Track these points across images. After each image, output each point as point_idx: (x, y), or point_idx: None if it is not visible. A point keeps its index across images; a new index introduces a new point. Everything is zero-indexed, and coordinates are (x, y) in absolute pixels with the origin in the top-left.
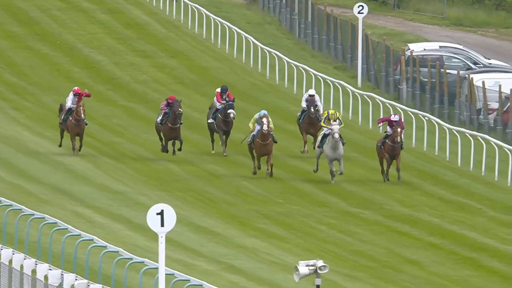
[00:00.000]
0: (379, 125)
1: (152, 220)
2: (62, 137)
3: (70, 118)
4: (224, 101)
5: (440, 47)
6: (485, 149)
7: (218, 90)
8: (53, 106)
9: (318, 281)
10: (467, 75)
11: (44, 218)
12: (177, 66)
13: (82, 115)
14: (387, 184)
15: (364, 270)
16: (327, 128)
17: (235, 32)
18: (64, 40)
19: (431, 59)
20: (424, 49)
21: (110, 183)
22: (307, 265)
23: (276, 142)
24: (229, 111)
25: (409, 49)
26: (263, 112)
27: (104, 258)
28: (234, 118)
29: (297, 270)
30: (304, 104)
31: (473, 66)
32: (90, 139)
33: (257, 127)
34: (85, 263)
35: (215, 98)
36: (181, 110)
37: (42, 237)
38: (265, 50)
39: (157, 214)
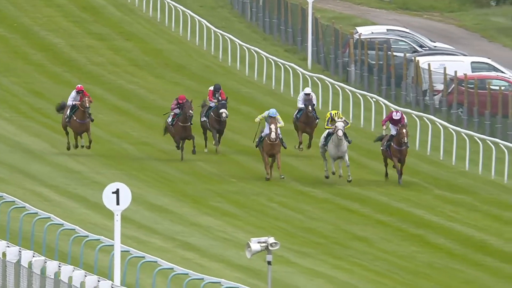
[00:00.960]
0: (384, 127)
1: (108, 199)
2: (67, 132)
3: (75, 118)
4: (216, 100)
5: (387, 30)
6: (431, 129)
7: (211, 88)
8: (11, 88)
9: (269, 258)
10: (413, 58)
11: (2, 196)
12: (132, 49)
13: (87, 104)
14: (335, 163)
15: (314, 247)
16: (331, 128)
17: (188, 16)
18: (21, 23)
19: (378, 42)
20: (372, 33)
21: (67, 163)
22: (258, 242)
23: (285, 148)
24: (221, 110)
25: (357, 32)
26: (273, 111)
27: (61, 236)
28: (226, 117)
29: (249, 246)
30: (300, 104)
31: (419, 49)
32: (47, 119)
33: (266, 129)
34: (42, 240)
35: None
36: (192, 112)
37: (0, 215)
38: (218, 33)
39: (113, 192)
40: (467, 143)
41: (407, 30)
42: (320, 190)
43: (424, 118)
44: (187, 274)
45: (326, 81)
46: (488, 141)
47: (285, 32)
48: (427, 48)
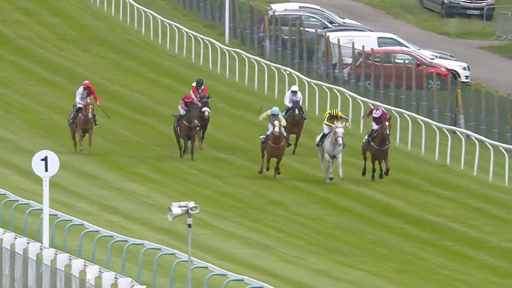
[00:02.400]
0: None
1: (37, 166)
2: (75, 143)
3: (80, 115)
4: (200, 96)
5: (299, 7)
6: (340, 100)
7: (194, 84)
8: None
9: (189, 221)
10: (324, 33)
11: None
12: (59, 24)
13: (90, 115)
14: (251, 131)
15: (232, 210)
16: (330, 126)
17: None
18: None
19: (291, 19)
20: (285, 9)
21: None
22: (179, 206)
23: (289, 145)
24: (204, 109)
25: (272, 9)
26: (275, 109)
27: None
28: (209, 114)
29: (171, 210)
30: (287, 102)
31: (329, 25)
32: None
33: (270, 128)
34: None
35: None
36: (197, 122)
37: None
38: (140, 9)
39: (42, 160)
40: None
41: (318, 7)
42: (237, 157)
43: (334, 90)
44: (112, 236)
45: (243, 55)
46: (393, 111)
47: (204, 8)
48: (337, 24)
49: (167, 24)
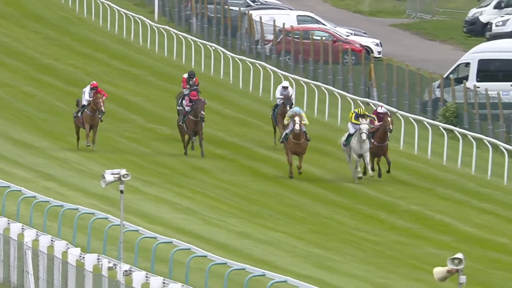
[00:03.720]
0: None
1: None
2: (78, 137)
3: (86, 110)
4: (189, 86)
5: None
6: (262, 74)
7: (185, 75)
8: None
9: (121, 187)
10: (247, 11)
11: None
12: None
13: (102, 108)
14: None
15: (160, 177)
16: (356, 124)
17: None
18: None
19: None
20: None
21: None
22: (112, 174)
23: (309, 140)
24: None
25: None
26: (297, 109)
27: None
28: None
29: (104, 177)
30: (278, 95)
31: (252, 3)
32: None
33: (291, 125)
34: None
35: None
36: (203, 113)
37: None
38: None
39: None
40: (293, 85)
41: None
42: (166, 127)
43: (257, 64)
44: (48, 201)
45: (171, 32)
46: (311, 84)
47: None
48: (259, 3)
49: (99, 2)
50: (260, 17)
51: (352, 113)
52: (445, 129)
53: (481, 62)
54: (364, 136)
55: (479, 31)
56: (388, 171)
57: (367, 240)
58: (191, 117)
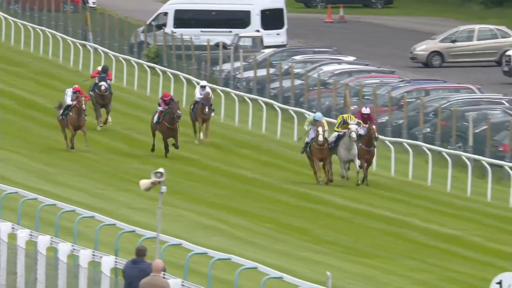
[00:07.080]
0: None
1: None
2: (66, 136)
3: (71, 113)
4: (97, 76)
5: None
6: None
7: (99, 68)
8: None
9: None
10: None
11: None
12: None
13: (84, 106)
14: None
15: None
16: (341, 132)
17: None
18: None
19: None
20: None
21: None
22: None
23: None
24: (100, 83)
25: None
26: (318, 115)
27: None
28: (106, 91)
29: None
30: (198, 95)
31: None
32: None
33: (312, 133)
34: None
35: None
36: (179, 112)
37: None
38: None
39: None
40: (22, 30)
41: None
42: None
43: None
44: None
45: None
46: (37, 29)
47: None
48: None
49: None
50: None
51: (340, 118)
52: (148, 66)
53: (177, 11)
54: (354, 135)
55: None
56: (365, 182)
57: (87, 158)
58: (166, 122)
